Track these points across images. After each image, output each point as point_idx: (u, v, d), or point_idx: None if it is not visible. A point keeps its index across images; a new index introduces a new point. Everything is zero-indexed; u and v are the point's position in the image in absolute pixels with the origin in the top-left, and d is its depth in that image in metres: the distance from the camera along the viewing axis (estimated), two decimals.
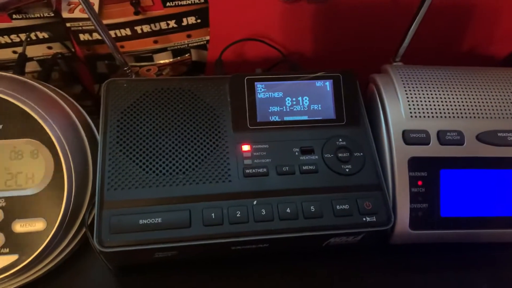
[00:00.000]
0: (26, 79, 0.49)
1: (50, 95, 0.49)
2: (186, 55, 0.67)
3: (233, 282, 0.49)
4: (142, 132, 0.47)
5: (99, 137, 0.47)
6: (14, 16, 0.56)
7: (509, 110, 0.51)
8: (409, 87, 0.51)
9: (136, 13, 0.59)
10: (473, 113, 0.50)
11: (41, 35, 0.60)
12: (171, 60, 0.67)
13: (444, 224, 0.47)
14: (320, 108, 0.51)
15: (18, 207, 0.44)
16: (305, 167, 0.47)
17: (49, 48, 0.62)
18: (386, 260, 0.51)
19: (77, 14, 0.58)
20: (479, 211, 0.48)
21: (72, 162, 0.45)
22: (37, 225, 0.43)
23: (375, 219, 0.46)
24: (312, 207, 0.45)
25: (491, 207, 0.48)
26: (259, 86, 0.50)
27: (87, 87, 0.69)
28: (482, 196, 0.48)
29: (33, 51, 0.61)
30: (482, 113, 0.50)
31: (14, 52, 0.61)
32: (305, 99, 0.51)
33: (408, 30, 0.52)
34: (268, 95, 0.50)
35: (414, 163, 0.48)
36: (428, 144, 0.49)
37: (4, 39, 0.59)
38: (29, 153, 0.45)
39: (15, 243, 0.43)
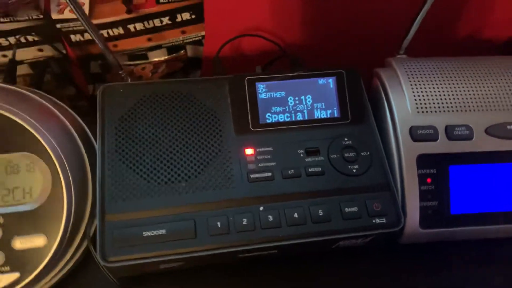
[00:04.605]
0: (17, 89, 0.47)
1: (43, 104, 0.47)
2: (181, 52, 0.65)
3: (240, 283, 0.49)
4: (141, 140, 0.46)
5: (96, 146, 0.46)
6: (1, 19, 0.54)
7: None
8: (414, 81, 0.50)
9: (128, 12, 0.57)
10: (481, 106, 0.49)
11: (30, 37, 0.57)
12: (166, 57, 0.65)
13: (454, 221, 0.46)
14: (324, 107, 0.49)
15: (17, 223, 0.42)
16: (311, 169, 0.46)
17: (40, 50, 0.60)
18: (395, 259, 0.50)
19: (67, 15, 0.56)
20: (490, 207, 0.47)
21: (70, 173, 0.43)
22: (37, 241, 0.42)
23: (384, 221, 0.45)
24: (320, 211, 0.44)
25: (502, 202, 0.47)
26: (260, 86, 0.49)
27: (81, 88, 0.67)
28: (493, 191, 0.47)
29: (23, 54, 0.59)
30: (490, 106, 0.49)
31: (4, 56, 0.59)
32: (308, 97, 0.49)
33: (414, 22, 0.50)
34: (270, 95, 0.48)
35: (423, 161, 0.47)
36: (436, 140, 0.47)
37: None
38: (25, 166, 0.43)
39: (16, 260, 0.42)
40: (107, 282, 0.46)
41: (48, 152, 0.43)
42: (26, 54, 0.59)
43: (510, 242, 0.49)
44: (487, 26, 0.67)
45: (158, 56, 0.65)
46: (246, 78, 0.49)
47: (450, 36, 0.68)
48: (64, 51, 0.60)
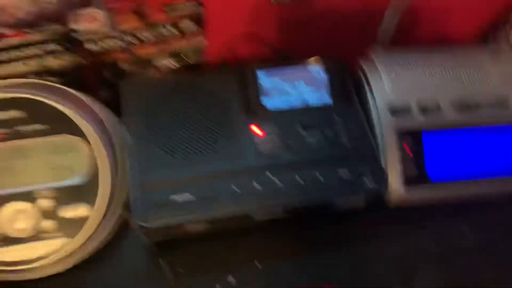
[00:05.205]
0: (54, 84, 0.55)
1: (77, 96, 0.56)
2: (185, 59, 0.73)
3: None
4: (164, 123, 0.54)
5: (125, 130, 0.53)
6: (25, 30, 0.61)
7: (475, 80, 0.60)
8: (390, 68, 0.60)
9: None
10: (447, 84, 0.59)
11: (51, 47, 0.64)
12: (171, 63, 0.73)
13: (434, 184, 0.56)
14: (315, 91, 0.58)
15: (66, 196, 0.50)
16: (308, 142, 0.55)
17: (61, 59, 0.66)
18: (384, 222, 0.59)
19: (84, 25, 0.63)
20: (467, 171, 0.56)
21: (109, 153, 0.51)
22: (84, 210, 0.50)
23: (372, 181, 0.53)
24: (317, 175, 0.53)
25: (475, 164, 0.57)
26: (260, 74, 0.58)
27: (94, 94, 0.74)
28: (465, 154, 0.57)
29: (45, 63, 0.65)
30: (455, 83, 0.59)
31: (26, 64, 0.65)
32: (302, 83, 0.58)
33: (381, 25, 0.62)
34: (269, 82, 0.58)
35: (401, 131, 0.56)
36: (411, 114, 0.57)
37: (16, 54, 0.64)
38: (69, 148, 0.51)
39: (66, 228, 0.50)
40: (142, 247, 0.54)
41: (88, 134, 0.51)
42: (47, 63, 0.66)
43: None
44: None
45: (164, 63, 0.72)
46: (249, 68, 0.58)
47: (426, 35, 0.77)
48: (81, 59, 0.67)
